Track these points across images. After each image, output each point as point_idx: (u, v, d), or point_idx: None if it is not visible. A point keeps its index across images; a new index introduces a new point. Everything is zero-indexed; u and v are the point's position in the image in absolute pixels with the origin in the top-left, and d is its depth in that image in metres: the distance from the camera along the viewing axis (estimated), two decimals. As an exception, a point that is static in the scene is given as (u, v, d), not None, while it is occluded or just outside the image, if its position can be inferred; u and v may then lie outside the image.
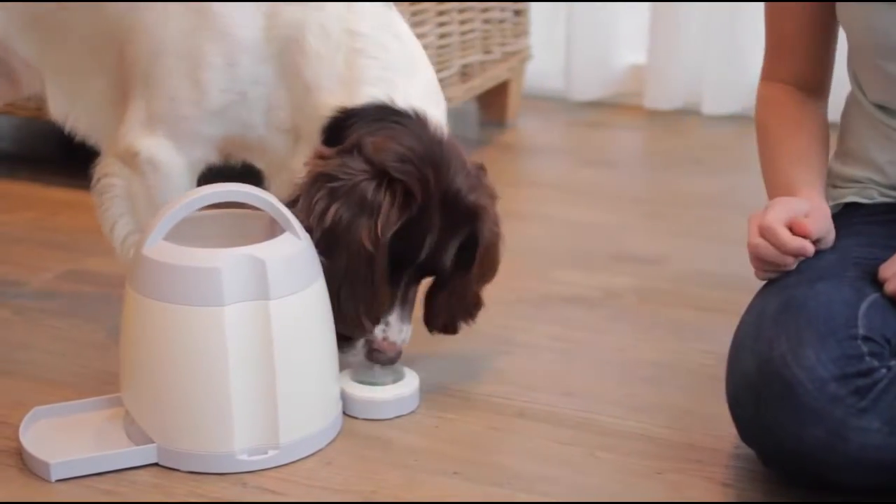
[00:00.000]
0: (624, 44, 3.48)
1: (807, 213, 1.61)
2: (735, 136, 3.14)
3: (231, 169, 1.97)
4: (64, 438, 1.69)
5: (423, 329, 1.87)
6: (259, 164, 1.95)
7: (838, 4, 1.72)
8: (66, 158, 3.09)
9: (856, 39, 1.72)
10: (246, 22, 1.81)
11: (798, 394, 1.48)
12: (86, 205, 2.62)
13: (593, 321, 2.12)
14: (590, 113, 3.43)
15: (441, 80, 1.95)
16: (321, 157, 1.75)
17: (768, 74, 1.84)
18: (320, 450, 1.70)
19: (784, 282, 1.61)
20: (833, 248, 1.65)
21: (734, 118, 3.24)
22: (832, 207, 1.75)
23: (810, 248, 1.59)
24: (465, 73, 2.99)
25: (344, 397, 1.78)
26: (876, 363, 1.49)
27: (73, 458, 1.63)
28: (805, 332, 1.51)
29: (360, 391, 1.79)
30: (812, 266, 1.61)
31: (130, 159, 1.87)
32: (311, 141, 1.81)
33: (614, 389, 1.88)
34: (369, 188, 1.70)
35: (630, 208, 2.72)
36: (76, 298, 2.17)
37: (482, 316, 1.89)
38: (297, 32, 1.80)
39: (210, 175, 1.92)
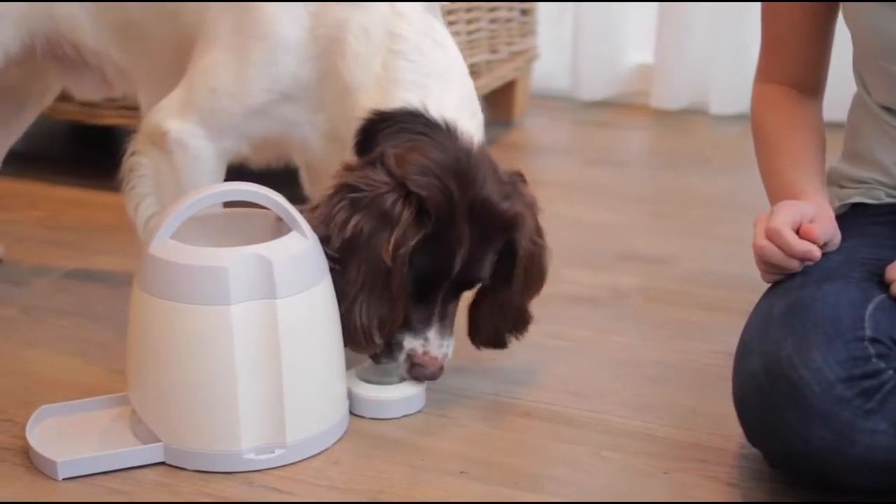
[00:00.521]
0: (631, 43, 3.48)
1: (812, 218, 1.61)
2: (742, 136, 3.11)
3: (245, 169, 1.98)
4: (71, 437, 1.69)
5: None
6: (300, 164, 1.96)
7: (843, 5, 1.72)
8: (73, 157, 3.10)
9: (861, 40, 1.72)
10: (291, 21, 1.81)
11: (805, 395, 1.48)
12: (93, 203, 2.63)
13: (599, 321, 2.12)
14: (597, 112, 3.43)
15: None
16: (347, 168, 1.75)
17: (763, 75, 1.84)
18: (327, 449, 1.70)
19: (790, 283, 1.61)
20: (839, 249, 1.65)
21: (741, 118, 3.23)
22: (839, 208, 1.75)
23: (817, 253, 1.59)
24: (471, 73, 2.95)
25: (350, 396, 1.78)
26: (883, 365, 1.49)
27: (79, 457, 1.63)
28: (812, 333, 1.51)
29: (367, 390, 1.79)
30: (818, 267, 1.61)
31: (159, 139, 1.87)
32: (350, 143, 1.81)
33: (620, 389, 1.88)
34: (388, 201, 1.69)
35: (636, 208, 2.72)
36: (83, 297, 2.18)
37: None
38: (339, 33, 1.80)
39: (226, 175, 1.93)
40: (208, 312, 1.60)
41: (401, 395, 1.79)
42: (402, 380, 1.80)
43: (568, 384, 1.89)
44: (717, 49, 3.30)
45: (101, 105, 2.69)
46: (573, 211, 2.66)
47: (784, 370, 1.50)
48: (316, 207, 1.73)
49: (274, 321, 1.61)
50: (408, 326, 1.77)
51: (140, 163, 1.91)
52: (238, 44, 1.82)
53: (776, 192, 1.73)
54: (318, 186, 1.95)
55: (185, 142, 1.86)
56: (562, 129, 3.38)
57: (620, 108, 3.46)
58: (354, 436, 1.74)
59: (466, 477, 1.65)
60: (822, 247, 1.61)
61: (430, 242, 1.71)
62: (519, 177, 1.82)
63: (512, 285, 1.81)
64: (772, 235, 1.60)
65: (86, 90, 2.17)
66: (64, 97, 2.34)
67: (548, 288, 1.90)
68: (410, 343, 1.78)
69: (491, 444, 1.74)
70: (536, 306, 1.91)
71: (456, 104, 1.79)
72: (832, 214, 1.67)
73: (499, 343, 1.88)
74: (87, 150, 3.11)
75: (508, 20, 3.17)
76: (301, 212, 1.70)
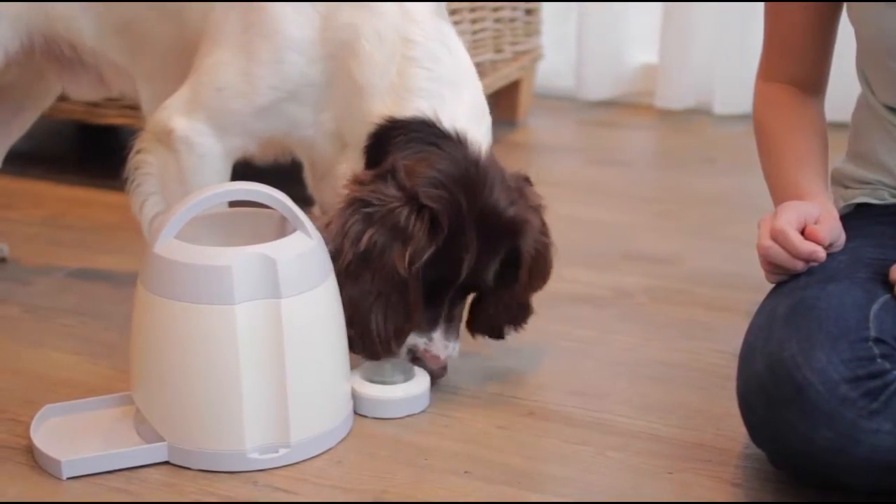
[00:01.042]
0: (635, 43, 3.48)
1: (817, 219, 1.61)
2: (746, 136, 3.09)
3: (250, 167, 1.98)
4: (75, 436, 1.69)
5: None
6: (305, 163, 1.97)
7: (848, 4, 1.72)
8: (77, 157, 3.10)
9: (865, 40, 1.72)
10: (301, 21, 1.81)
11: (809, 396, 1.48)
12: (97, 203, 2.63)
13: (603, 320, 2.12)
14: (601, 112, 3.43)
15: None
16: (358, 181, 1.76)
17: (766, 73, 1.84)
18: (331, 448, 1.70)
19: (795, 283, 1.60)
20: (844, 249, 1.65)
21: (745, 117, 3.20)
22: (843, 208, 1.75)
23: (822, 254, 1.59)
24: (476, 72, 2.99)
25: (354, 396, 1.78)
26: (887, 365, 1.49)
27: (83, 456, 1.63)
28: (816, 333, 1.50)
29: (371, 390, 1.79)
30: (823, 267, 1.61)
31: (165, 137, 1.87)
32: (358, 147, 1.81)
33: (624, 389, 1.88)
34: (402, 215, 1.71)
35: (641, 207, 2.71)
36: (87, 296, 2.18)
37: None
38: (351, 36, 1.81)
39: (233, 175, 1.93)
40: (212, 312, 1.60)
41: (405, 395, 1.79)
42: (406, 379, 1.81)
43: (572, 384, 1.89)
44: (721, 49, 3.30)
45: (104, 104, 2.70)
46: (577, 210, 2.66)
47: (788, 370, 1.50)
48: (329, 223, 1.74)
49: (278, 321, 1.61)
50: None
51: (145, 161, 1.91)
52: (245, 42, 1.82)
53: (780, 192, 1.73)
54: (321, 184, 1.96)
55: (191, 140, 1.86)
56: (566, 128, 3.38)
57: (625, 107, 3.46)
58: (358, 435, 1.74)
59: (470, 476, 1.65)
60: (826, 248, 1.61)
61: (439, 251, 1.73)
62: (525, 180, 1.84)
63: (516, 285, 1.83)
64: (777, 236, 1.60)
65: (82, 90, 2.17)
66: (67, 97, 2.34)
67: (552, 287, 1.90)
68: (413, 339, 1.80)
69: (495, 444, 1.73)
70: (541, 306, 1.91)
71: (467, 112, 1.81)
72: (836, 215, 1.67)
73: (497, 334, 1.90)
74: (91, 150, 3.11)
75: (513, 20, 3.17)
76: (314, 224, 1.71)
